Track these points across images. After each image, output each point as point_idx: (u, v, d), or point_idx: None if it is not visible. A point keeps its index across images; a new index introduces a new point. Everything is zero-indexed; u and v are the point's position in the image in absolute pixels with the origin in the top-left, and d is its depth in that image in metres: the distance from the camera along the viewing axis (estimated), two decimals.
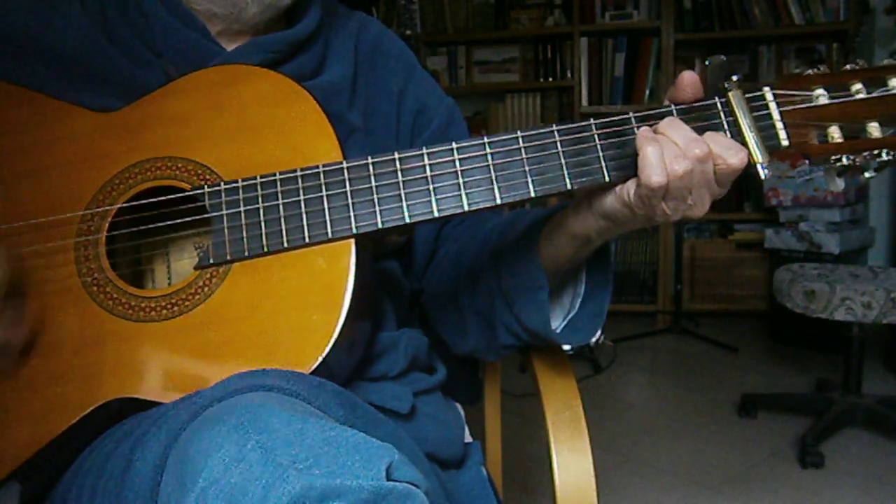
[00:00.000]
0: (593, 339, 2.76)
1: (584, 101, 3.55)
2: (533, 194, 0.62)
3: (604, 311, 0.75)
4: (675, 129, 0.60)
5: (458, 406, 0.92)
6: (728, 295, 3.35)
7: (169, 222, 0.67)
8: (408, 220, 0.63)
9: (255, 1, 0.72)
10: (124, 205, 0.67)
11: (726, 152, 0.59)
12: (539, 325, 0.73)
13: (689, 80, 0.63)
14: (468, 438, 0.88)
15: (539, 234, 0.72)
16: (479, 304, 0.79)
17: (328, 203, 0.64)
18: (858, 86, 0.63)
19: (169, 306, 0.64)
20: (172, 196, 0.67)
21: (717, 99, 0.63)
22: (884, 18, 3.10)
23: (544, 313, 0.72)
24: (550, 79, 3.60)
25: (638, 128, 0.62)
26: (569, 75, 3.56)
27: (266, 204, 0.64)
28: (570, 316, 0.77)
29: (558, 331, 0.76)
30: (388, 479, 0.45)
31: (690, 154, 0.58)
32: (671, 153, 0.58)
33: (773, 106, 0.63)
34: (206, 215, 0.65)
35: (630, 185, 0.61)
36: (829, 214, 2.93)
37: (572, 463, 0.72)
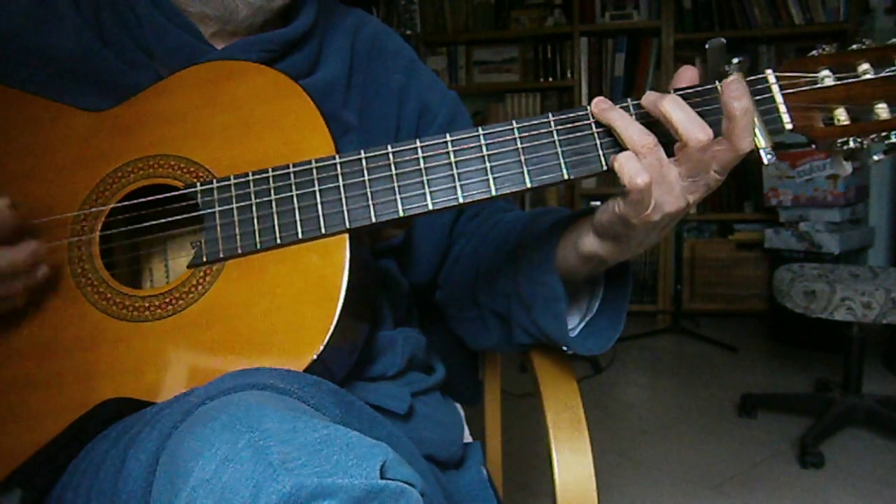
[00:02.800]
0: None
1: (584, 102, 3.55)
2: (529, 185, 0.61)
3: (621, 320, 0.74)
4: (676, 108, 0.58)
5: (458, 406, 0.92)
6: (728, 295, 3.35)
7: (163, 220, 0.67)
8: (402, 214, 0.62)
9: (247, 4, 0.72)
10: (117, 205, 0.67)
11: (744, 138, 0.57)
12: (556, 334, 0.72)
13: (686, 76, 0.62)
14: (468, 438, 0.88)
15: (555, 249, 0.71)
16: (497, 305, 0.79)
17: (321, 198, 0.63)
18: (865, 66, 0.60)
19: (163, 305, 0.63)
20: (165, 195, 0.66)
21: (717, 83, 0.61)
22: (884, 18, 3.10)
23: (562, 323, 0.72)
24: (550, 79, 3.60)
25: (636, 115, 0.61)
26: (569, 75, 3.56)
27: (258, 200, 0.64)
28: (587, 318, 0.76)
29: (575, 333, 0.75)
30: (383, 478, 0.44)
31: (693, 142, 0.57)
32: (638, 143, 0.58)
33: (775, 89, 0.61)
34: (198, 213, 0.65)
35: (619, 200, 0.61)
36: (829, 214, 2.92)
37: (572, 463, 0.72)
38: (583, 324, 0.76)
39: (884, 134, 0.60)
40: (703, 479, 1.92)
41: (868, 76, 0.60)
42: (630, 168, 0.57)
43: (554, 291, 0.70)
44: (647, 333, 3.20)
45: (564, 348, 0.76)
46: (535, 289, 0.72)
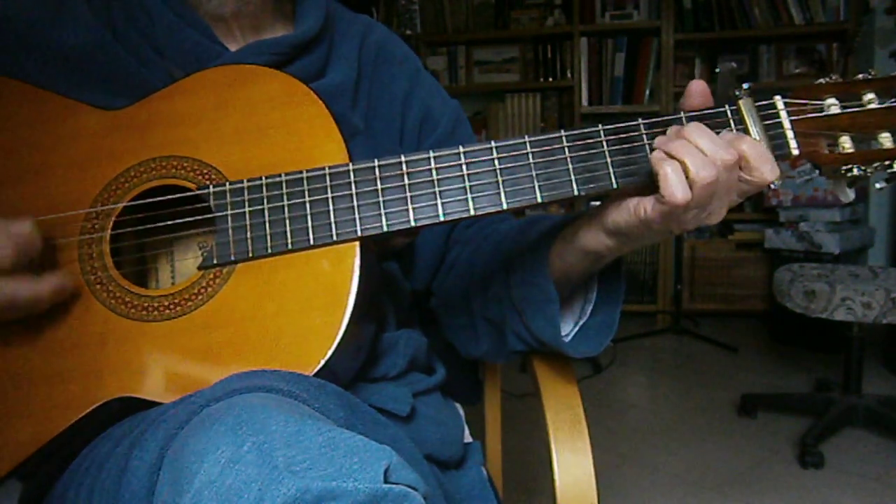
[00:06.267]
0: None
1: (584, 102, 3.54)
2: (539, 200, 0.62)
3: (615, 322, 0.74)
4: (700, 135, 0.58)
5: (458, 406, 0.92)
6: (728, 295, 3.35)
7: (173, 222, 0.67)
8: (413, 224, 0.63)
9: None
10: (129, 203, 0.67)
11: (764, 165, 0.58)
12: (549, 336, 0.73)
13: (696, 89, 0.63)
14: (468, 438, 0.88)
15: (550, 247, 0.71)
16: (490, 311, 0.79)
17: (333, 205, 0.63)
18: (870, 95, 0.62)
19: (172, 306, 0.63)
20: (177, 195, 0.67)
21: (727, 107, 0.62)
22: (884, 18, 3.10)
23: (555, 325, 0.72)
24: (550, 79, 3.60)
25: (647, 135, 0.62)
26: (569, 75, 3.55)
27: (271, 205, 0.64)
28: (580, 322, 0.76)
29: (569, 338, 0.75)
30: (387, 481, 0.44)
31: (719, 160, 0.57)
32: (697, 162, 0.57)
33: (783, 115, 0.62)
34: (210, 215, 0.65)
35: (647, 203, 0.60)
36: (829, 214, 2.93)
37: (572, 463, 0.72)
38: (576, 328, 0.76)
39: (886, 163, 0.61)
40: (703, 479, 1.92)
41: (872, 106, 0.62)
42: (674, 182, 0.57)
43: (546, 293, 0.70)
44: (647, 333, 3.19)
45: (567, 353, 0.76)
46: (527, 291, 0.72)
